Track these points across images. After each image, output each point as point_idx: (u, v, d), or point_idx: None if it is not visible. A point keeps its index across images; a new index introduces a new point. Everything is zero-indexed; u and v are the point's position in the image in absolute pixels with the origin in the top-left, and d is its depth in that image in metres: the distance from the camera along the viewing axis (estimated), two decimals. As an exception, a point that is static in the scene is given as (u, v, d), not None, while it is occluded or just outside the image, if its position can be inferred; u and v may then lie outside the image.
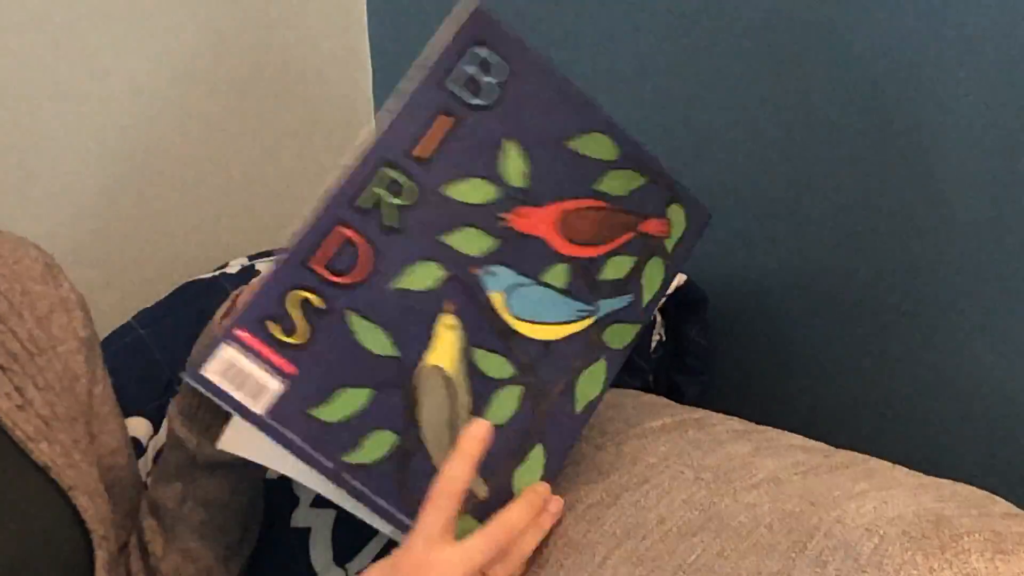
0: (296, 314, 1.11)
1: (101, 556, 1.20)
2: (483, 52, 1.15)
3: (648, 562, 1.12)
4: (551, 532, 1.19)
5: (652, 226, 1.21)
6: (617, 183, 1.20)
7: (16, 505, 1.18)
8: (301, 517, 1.38)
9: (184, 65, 1.75)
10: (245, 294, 1.19)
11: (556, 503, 1.18)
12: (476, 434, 1.14)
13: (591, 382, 1.20)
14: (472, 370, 1.15)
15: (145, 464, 1.42)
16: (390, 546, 1.16)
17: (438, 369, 1.14)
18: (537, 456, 1.17)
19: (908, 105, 1.29)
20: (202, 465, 1.25)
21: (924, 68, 1.27)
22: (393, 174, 1.13)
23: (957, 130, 1.26)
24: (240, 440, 1.14)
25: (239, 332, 1.10)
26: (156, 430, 1.44)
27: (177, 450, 1.26)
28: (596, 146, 1.19)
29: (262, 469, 1.23)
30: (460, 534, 1.13)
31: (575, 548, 1.17)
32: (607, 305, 1.20)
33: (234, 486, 1.27)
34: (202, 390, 1.11)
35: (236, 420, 1.12)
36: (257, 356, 1.10)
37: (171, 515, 1.27)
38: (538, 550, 1.18)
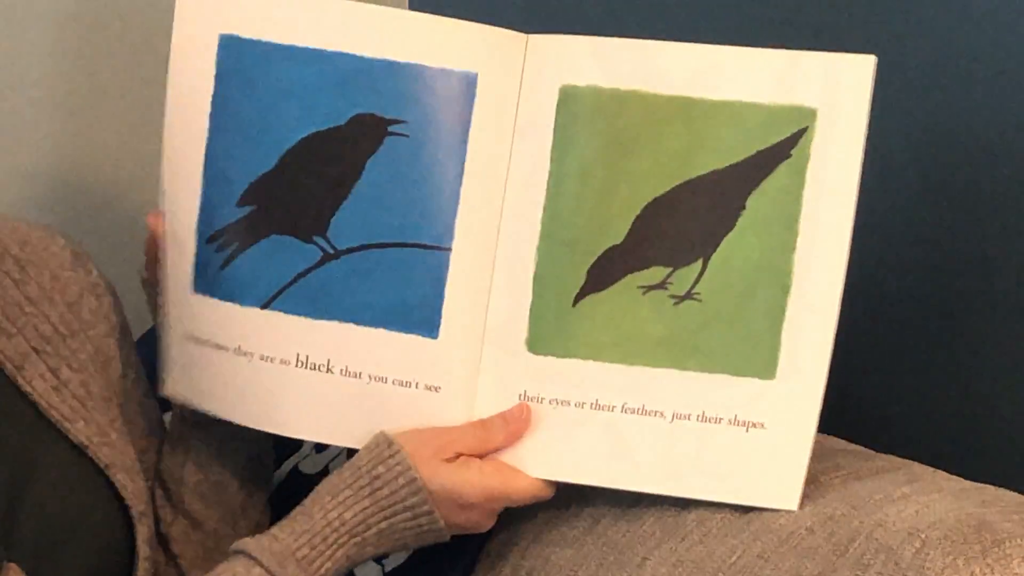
0: None
1: (142, 531, 1.22)
2: None
3: (688, 563, 1.13)
4: (591, 531, 1.20)
5: None
6: None
7: (55, 484, 1.19)
8: (310, 464, 1.40)
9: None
10: None
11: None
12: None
13: None
14: None
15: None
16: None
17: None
18: None
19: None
20: (191, 424, 1.28)
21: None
22: None
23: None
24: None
25: None
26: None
27: (174, 414, 1.30)
28: None
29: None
30: None
31: (614, 548, 1.17)
32: None
33: (226, 442, 1.28)
34: None
35: None
36: None
37: (173, 480, 1.29)
38: (578, 547, 1.19)
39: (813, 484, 1.15)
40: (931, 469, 1.17)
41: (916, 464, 1.18)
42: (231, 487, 1.29)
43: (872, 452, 1.22)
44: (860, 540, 1.05)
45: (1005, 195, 1.31)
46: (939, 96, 1.35)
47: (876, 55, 1.13)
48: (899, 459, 1.19)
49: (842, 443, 1.24)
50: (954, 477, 1.15)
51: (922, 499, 1.08)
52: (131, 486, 1.22)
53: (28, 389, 1.20)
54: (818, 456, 1.16)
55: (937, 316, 1.36)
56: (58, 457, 1.20)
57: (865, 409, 1.40)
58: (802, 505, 1.12)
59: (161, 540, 1.29)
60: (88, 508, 1.20)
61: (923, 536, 1.03)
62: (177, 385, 1.26)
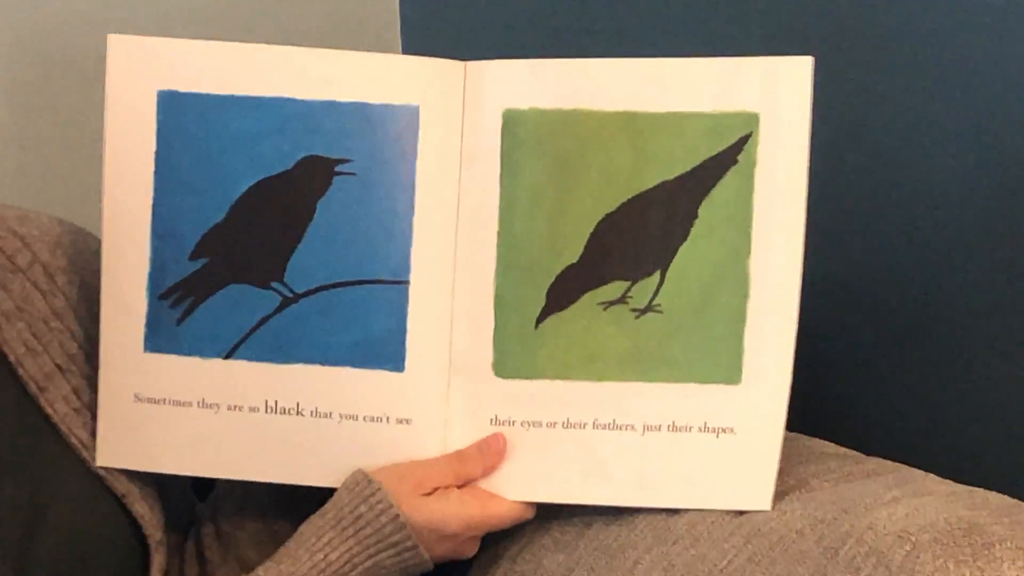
0: None
1: (158, 560, 1.23)
2: None
3: (679, 567, 1.13)
4: (583, 535, 1.21)
5: None
6: None
7: (73, 509, 1.20)
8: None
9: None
10: None
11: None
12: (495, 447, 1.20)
13: None
14: None
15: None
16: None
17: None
18: None
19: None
20: None
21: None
22: None
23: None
24: None
25: None
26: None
27: None
28: None
29: None
30: None
31: (606, 552, 1.18)
32: None
33: (287, 494, 1.28)
34: None
35: None
36: None
37: (230, 525, 1.29)
38: (569, 552, 1.20)
39: (803, 487, 1.16)
40: (921, 472, 1.18)
41: (906, 467, 1.19)
42: (287, 536, 1.28)
43: (862, 455, 1.22)
44: (850, 543, 1.06)
45: (962, 184, 1.32)
46: (891, 92, 1.36)
47: (814, 55, 1.14)
48: (889, 462, 1.20)
49: (832, 446, 1.24)
50: (945, 480, 1.16)
51: (912, 502, 1.09)
52: (148, 515, 1.23)
53: (50, 411, 1.21)
54: (808, 459, 1.18)
55: (927, 317, 1.37)
56: (77, 482, 1.21)
57: (855, 412, 1.41)
58: (792, 508, 1.13)
59: None
60: (105, 535, 1.22)
61: (913, 539, 1.04)
62: (120, 451, 1.24)
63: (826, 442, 1.26)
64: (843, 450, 1.24)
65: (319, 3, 1.86)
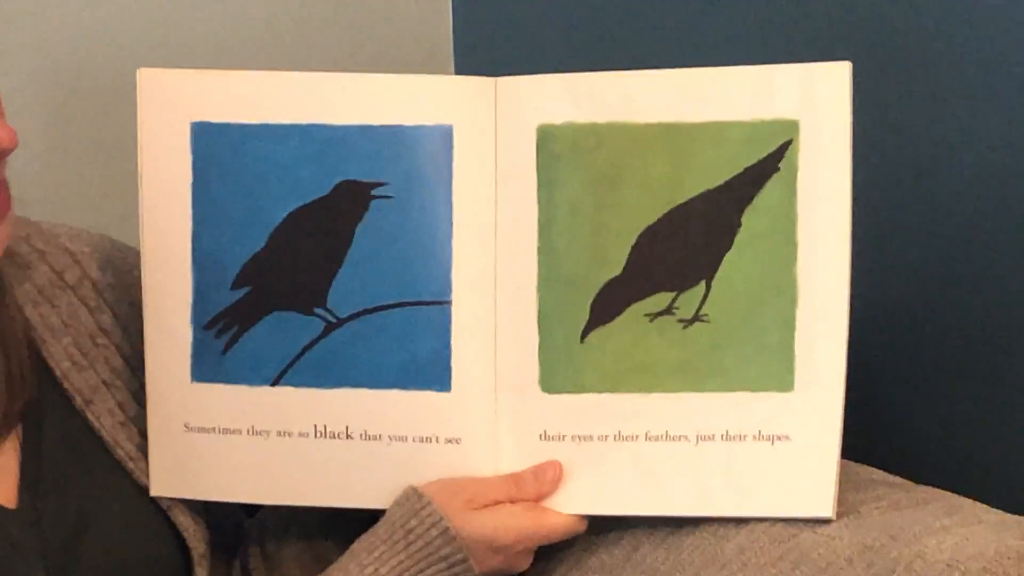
0: None
1: (201, 574, 1.23)
2: None
3: (728, 591, 1.13)
4: (630, 559, 1.20)
5: None
6: None
7: (118, 521, 1.21)
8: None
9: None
10: None
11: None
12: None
13: None
14: None
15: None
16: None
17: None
18: None
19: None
20: None
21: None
22: None
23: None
24: None
25: None
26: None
27: None
28: None
29: None
30: None
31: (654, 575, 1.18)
32: None
33: (332, 516, 1.28)
34: None
35: None
36: None
37: (274, 543, 1.30)
38: (616, 575, 1.20)
39: (853, 514, 1.15)
40: (971, 501, 1.17)
41: (956, 496, 1.18)
42: (332, 558, 1.28)
43: (912, 483, 1.22)
44: (899, 571, 1.06)
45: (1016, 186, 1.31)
46: (928, 95, 1.35)
47: (852, 60, 1.13)
48: (939, 490, 1.20)
49: (881, 474, 1.24)
50: (994, 509, 1.15)
51: (962, 531, 1.09)
52: (192, 528, 1.24)
53: (96, 425, 1.22)
54: (858, 487, 1.17)
55: (980, 344, 1.35)
56: (122, 494, 1.22)
57: (905, 439, 1.41)
58: (841, 535, 1.12)
59: None
60: (148, 547, 1.22)
61: (962, 568, 1.04)
62: (173, 481, 1.24)
63: (876, 469, 1.25)
64: (893, 478, 1.23)
65: (372, 27, 1.86)
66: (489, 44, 1.86)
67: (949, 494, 1.19)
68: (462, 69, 1.88)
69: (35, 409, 1.20)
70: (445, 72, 1.88)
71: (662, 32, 1.58)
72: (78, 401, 1.22)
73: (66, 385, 1.22)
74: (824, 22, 1.38)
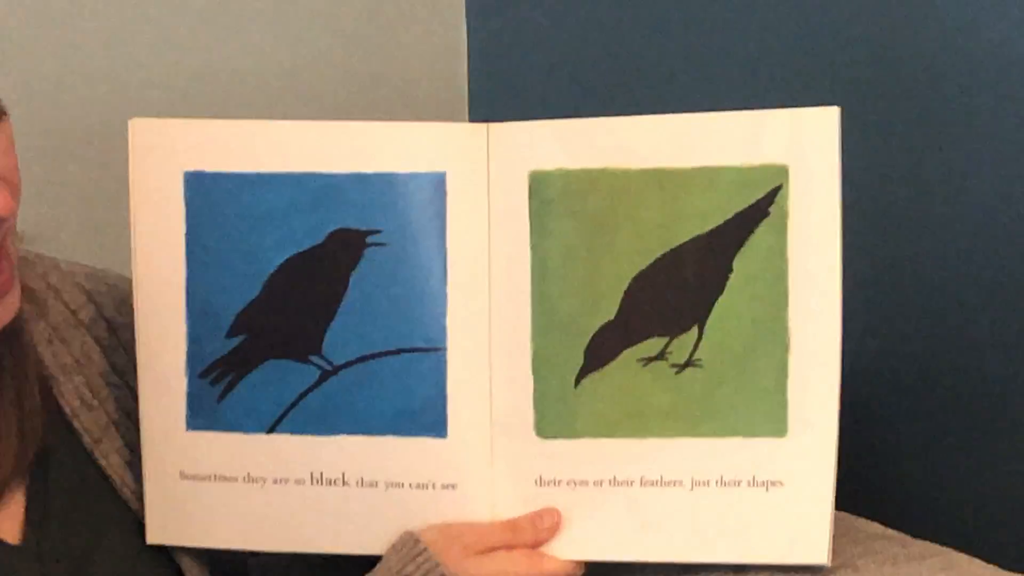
0: None
1: None
2: None
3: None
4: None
5: None
6: None
7: (121, 560, 1.21)
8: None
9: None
10: None
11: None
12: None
13: None
14: None
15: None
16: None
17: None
18: None
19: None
20: None
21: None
22: None
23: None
24: None
25: None
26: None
27: None
28: None
29: None
30: None
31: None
32: None
33: (333, 557, 1.27)
34: None
35: None
36: None
37: None
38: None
39: (850, 568, 1.15)
40: (967, 557, 1.16)
41: (953, 551, 1.18)
42: None
43: (909, 538, 1.21)
44: (896, 626, 1.06)
45: (1003, 232, 1.31)
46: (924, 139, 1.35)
47: (841, 105, 1.13)
48: (936, 546, 1.18)
49: (879, 527, 1.23)
50: (990, 565, 1.15)
51: (958, 587, 1.08)
52: (195, 569, 1.24)
53: (104, 463, 1.22)
54: (855, 540, 1.17)
55: (981, 398, 1.35)
56: (126, 533, 1.23)
57: (902, 493, 1.41)
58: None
59: None
60: None
61: (958, 625, 1.03)
62: (170, 529, 1.24)
63: (873, 522, 1.25)
64: (890, 532, 1.23)
65: (388, 75, 1.87)
66: (503, 92, 1.87)
67: (946, 549, 1.19)
68: (476, 117, 1.88)
69: (44, 447, 1.20)
70: (460, 120, 1.89)
71: (669, 78, 1.59)
72: (86, 440, 1.22)
73: (75, 424, 1.22)
74: (813, 68, 1.39)
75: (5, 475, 1.17)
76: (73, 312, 1.26)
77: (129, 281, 1.26)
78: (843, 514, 1.23)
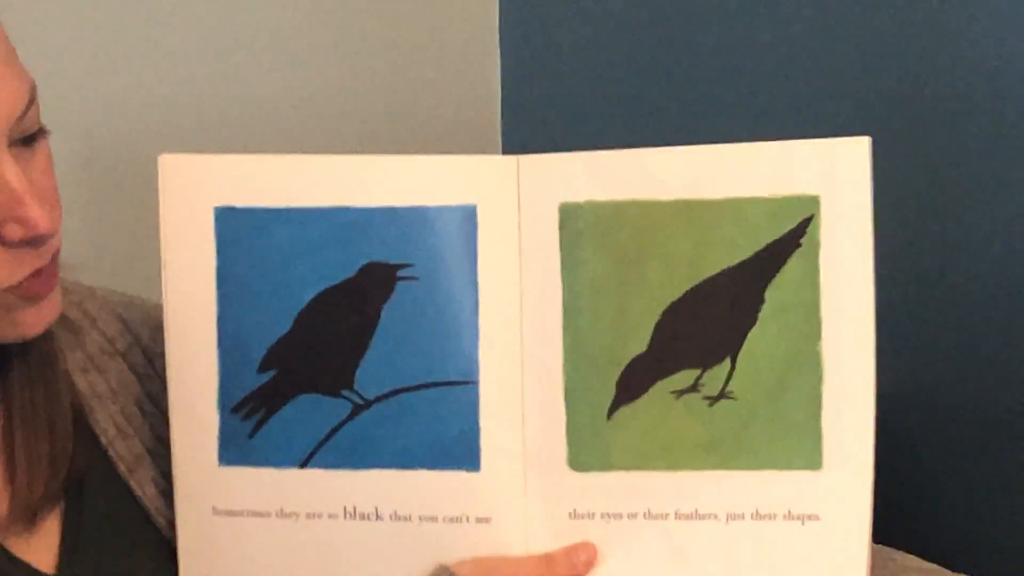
0: None
1: None
2: None
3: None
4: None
5: None
6: None
7: None
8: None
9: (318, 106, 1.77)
10: None
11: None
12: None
13: None
14: None
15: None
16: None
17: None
18: None
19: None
20: None
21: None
22: None
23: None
24: None
25: None
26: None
27: None
28: None
29: None
30: None
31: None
32: None
33: None
34: None
35: None
36: None
37: None
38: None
39: (888, 600, 1.15)
40: None
41: None
42: None
43: (947, 571, 1.22)
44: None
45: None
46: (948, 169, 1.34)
47: (872, 135, 1.13)
48: None
49: (916, 560, 1.23)
50: None
51: (995, 620, 1.08)
52: None
53: (139, 492, 1.23)
54: (892, 574, 1.17)
55: (1011, 419, 1.34)
56: (160, 563, 1.23)
57: (941, 526, 1.40)
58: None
59: None
60: None
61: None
62: (202, 565, 1.24)
63: (909, 555, 1.24)
64: (927, 564, 1.23)
65: (420, 107, 1.87)
66: (536, 124, 1.87)
67: (983, 582, 1.18)
68: (509, 148, 1.89)
69: (79, 475, 1.21)
70: (493, 151, 1.89)
71: (699, 108, 1.59)
72: (122, 468, 1.23)
73: (111, 453, 1.23)
74: (843, 98, 1.38)
75: (36, 500, 1.18)
76: (109, 340, 1.26)
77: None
78: (879, 546, 1.22)
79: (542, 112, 1.88)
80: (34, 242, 1.10)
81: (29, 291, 1.11)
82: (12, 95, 1.08)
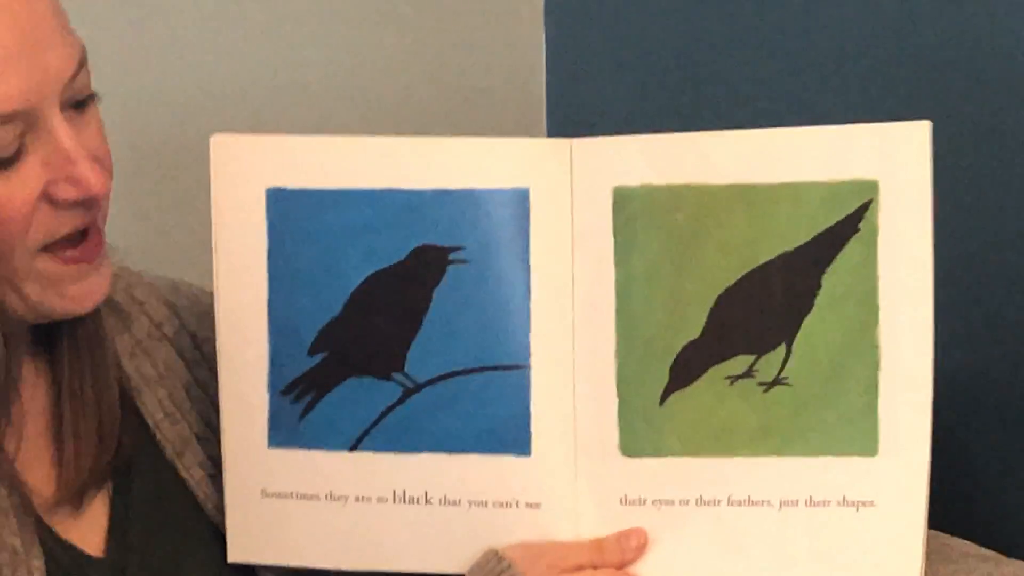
0: None
1: None
2: None
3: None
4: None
5: None
6: None
7: (202, 575, 1.22)
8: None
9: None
10: None
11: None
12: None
13: None
14: None
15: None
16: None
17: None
18: None
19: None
20: None
21: None
22: None
23: None
24: None
25: None
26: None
27: None
28: None
29: None
30: None
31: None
32: None
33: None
34: None
35: None
36: None
37: None
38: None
39: (944, 587, 1.14)
40: None
41: None
42: None
43: (1003, 557, 1.21)
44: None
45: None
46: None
47: (933, 119, 1.12)
48: None
49: (972, 546, 1.22)
50: None
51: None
52: None
53: (186, 476, 1.23)
54: (947, 559, 1.16)
55: None
56: (208, 547, 1.23)
57: (997, 511, 1.39)
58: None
59: None
60: None
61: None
62: (251, 546, 1.24)
63: (966, 541, 1.23)
64: (983, 550, 1.22)
65: (465, 88, 1.87)
66: (581, 104, 1.86)
67: (1040, 568, 1.17)
68: (553, 132, 1.88)
69: (127, 459, 1.21)
70: (536, 135, 1.88)
71: (752, 92, 1.57)
72: (169, 452, 1.23)
73: (158, 437, 1.23)
74: (902, 81, 1.37)
75: (83, 479, 1.18)
76: (157, 325, 1.26)
77: (211, 294, 1.26)
78: (934, 532, 1.20)
79: (587, 94, 1.87)
80: (85, 204, 1.10)
81: (75, 260, 1.12)
82: (63, 59, 1.08)
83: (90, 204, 1.10)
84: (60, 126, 1.08)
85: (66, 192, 1.09)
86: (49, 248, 1.10)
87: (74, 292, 1.13)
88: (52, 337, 1.19)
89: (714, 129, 1.18)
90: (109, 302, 1.21)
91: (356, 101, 1.84)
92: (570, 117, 1.89)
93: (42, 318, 1.14)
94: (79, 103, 1.11)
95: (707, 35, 1.66)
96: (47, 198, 1.09)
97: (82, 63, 1.10)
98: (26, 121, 1.07)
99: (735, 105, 1.60)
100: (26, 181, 1.07)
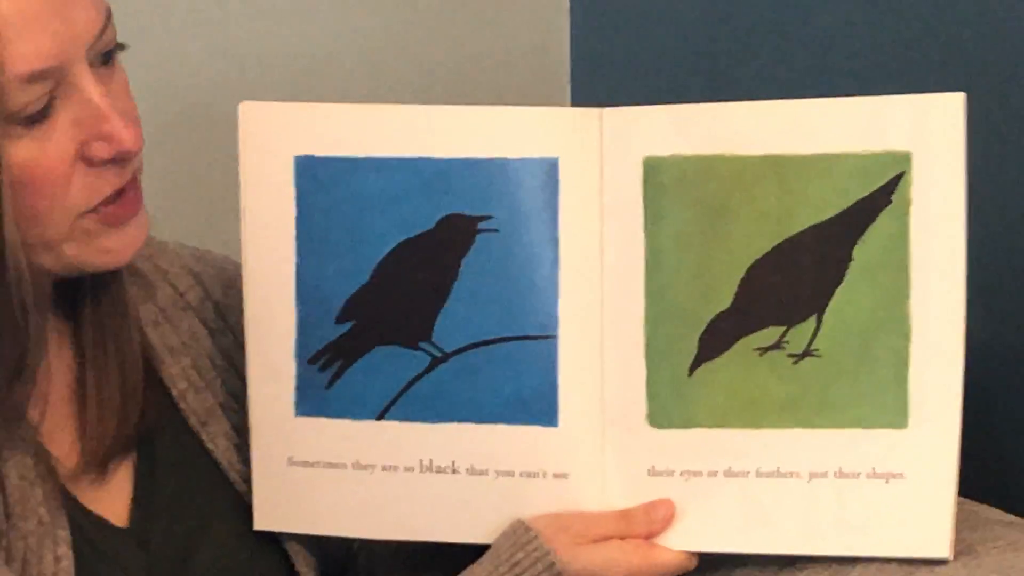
0: None
1: None
2: None
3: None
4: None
5: None
6: None
7: (229, 545, 1.23)
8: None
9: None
10: None
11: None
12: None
13: None
14: None
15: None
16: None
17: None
18: None
19: None
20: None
21: None
22: None
23: None
24: None
25: None
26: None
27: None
28: None
29: None
30: None
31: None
32: None
33: (440, 545, 1.26)
34: None
35: None
36: None
37: (383, 571, 1.31)
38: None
39: (969, 554, 1.13)
40: None
41: None
42: None
43: None
44: (1013, 612, 1.04)
45: None
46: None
47: (967, 91, 1.11)
48: None
49: (999, 513, 1.21)
50: None
51: (1080, 572, 1.06)
52: (302, 553, 1.25)
53: (211, 446, 1.23)
54: (974, 526, 1.15)
55: None
56: (232, 516, 1.23)
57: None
58: (957, 574, 1.11)
59: None
60: (257, 571, 1.23)
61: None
62: (277, 514, 1.24)
63: (992, 508, 1.23)
64: (1010, 517, 1.21)
65: (489, 56, 1.86)
66: (605, 75, 1.85)
67: (1068, 535, 1.16)
68: (578, 100, 1.87)
69: (151, 429, 1.21)
70: (560, 104, 1.87)
71: (777, 62, 1.56)
72: (193, 422, 1.23)
73: (182, 406, 1.23)
74: (937, 52, 1.36)
75: (107, 447, 1.18)
76: (181, 294, 1.26)
77: (235, 263, 1.26)
78: (961, 499, 1.19)
79: (612, 63, 1.86)
80: (120, 160, 1.10)
81: (115, 217, 1.12)
82: (90, 15, 1.08)
83: (126, 160, 1.10)
84: (90, 84, 1.08)
85: (101, 150, 1.09)
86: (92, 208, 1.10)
87: (112, 244, 1.13)
88: (75, 305, 1.19)
89: (742, 99, 1.17)
90: (133, 270, 1.21)
91: (381, 69, 1.84)
92: (594, 85, 1.88)
93: (73, 272, 1.14)
94: (106, 56, 1.11)
95: (735, 1, 1.65)
96: (83, 159, 1.09)
97: (108, 17, 1.10)
98: (56, 79, 1.07)
99: (764, 76, 1.59)
100: (59, 141, 1.07)
